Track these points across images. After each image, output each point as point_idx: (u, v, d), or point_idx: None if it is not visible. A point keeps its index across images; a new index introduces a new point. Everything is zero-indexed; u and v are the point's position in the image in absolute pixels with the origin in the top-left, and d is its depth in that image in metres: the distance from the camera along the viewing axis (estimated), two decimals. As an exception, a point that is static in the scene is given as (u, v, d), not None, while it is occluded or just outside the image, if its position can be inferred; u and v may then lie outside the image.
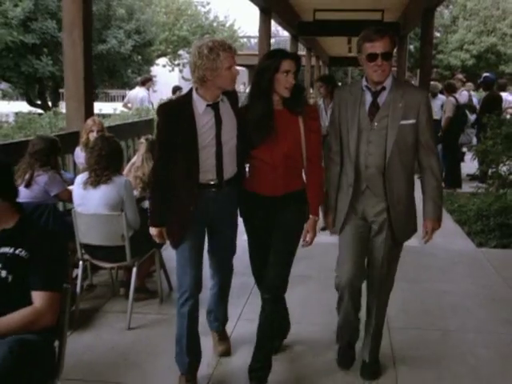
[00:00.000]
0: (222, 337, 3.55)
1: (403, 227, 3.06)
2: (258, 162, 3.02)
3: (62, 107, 15.33)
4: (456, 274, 5.17)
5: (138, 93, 12.13)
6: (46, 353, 2.30)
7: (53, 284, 2.32)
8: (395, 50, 14.53)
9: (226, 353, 3.50)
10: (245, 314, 4.06)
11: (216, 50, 2.79)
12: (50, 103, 17.68)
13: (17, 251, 2.30)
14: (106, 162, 4.01)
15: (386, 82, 2.97)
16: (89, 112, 5.91)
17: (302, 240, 3.09)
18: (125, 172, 4.63)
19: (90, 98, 6.00)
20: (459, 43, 27.17)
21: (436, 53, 27.39)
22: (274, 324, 3.12)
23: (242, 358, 3.35)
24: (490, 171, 7.62)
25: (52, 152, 4.36)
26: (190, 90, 2.97)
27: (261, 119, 2.94)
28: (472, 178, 9.63)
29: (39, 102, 17.90)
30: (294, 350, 3.57)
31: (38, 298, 2.28)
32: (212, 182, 2.98)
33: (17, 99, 23.08)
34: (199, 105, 2.91)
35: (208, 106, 2.91)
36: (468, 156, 9.89)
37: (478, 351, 3.63)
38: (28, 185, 4.16)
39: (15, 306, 2.26)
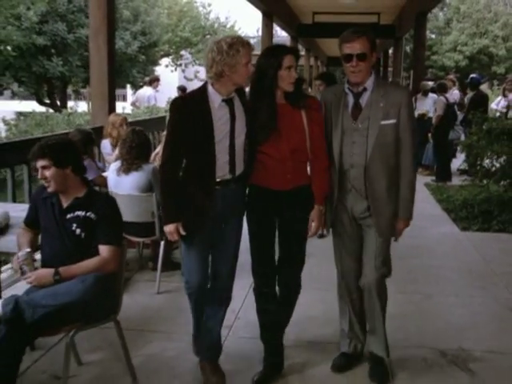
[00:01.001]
0: (215, 367, 3.23)
1: (386, 224, 3.09)
2: (265, 157, 3.00)
3: (82, 106, 15.93)
4: (441, 252, 5.84)
5: (145, 92, 12.80)
6: (112, 291, 2.97)
7: (115, 240, 2.98)
8: (391, 51, 15.23)
9: None
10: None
11: (236, 46, 2.80)
12: (58, 102, 18.32)
13: (87, 214, 2.95)
14: (136, 152, 4.68)
15: (367, 83, 3.00)
16: (112, 109, 6.57)
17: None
18: (150, 161, 5.29)
19: (112, 97, 6.66)
20: (453, 45, 27.88)
21: (431, 54, 28.09)
22: (290, 314, 3.33)
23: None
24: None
25: (88, 142, 5.02)
26: (204, 85, 2.96)
27: (265, 118, 2.95)
28: (462, 172, 10.27)
29: (48, 102, 18.55)
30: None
31: (104, 250, 2.93)
32: (225, 178, 2.96)
33: (16, 98, 23.80)
34: (215, 99, 2.89)
35: (223, 100, 2.91)
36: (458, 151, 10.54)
37: (455, 310, 4.31)
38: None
39: (87, 256, 2.91)
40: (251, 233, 3.17)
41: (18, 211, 3.73)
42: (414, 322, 4.05)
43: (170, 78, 25.36)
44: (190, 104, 2.92)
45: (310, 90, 22.14)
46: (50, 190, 2.94)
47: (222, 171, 2.94)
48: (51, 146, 2.89)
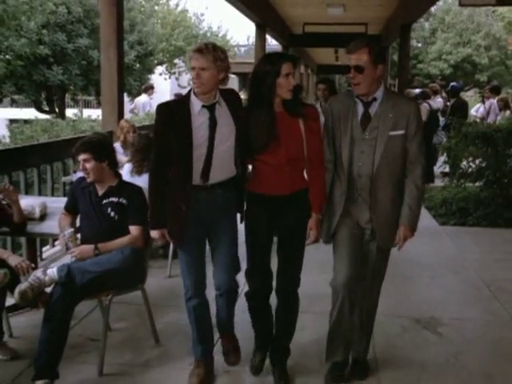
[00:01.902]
0: (232, 341, 3.47)
1: (389, 235, 3.11)
2: (262, 165, 3.04)
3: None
4: (419, 242, 6.27)
5: (141, 99, 13.47)
6: (140, 264, 3.57)
7: (143, 221, 3.57)
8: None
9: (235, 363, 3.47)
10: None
11: (191, 49, 2.95)
12: (57, 109, 18.91)
13: (120, 199, 3.55)
14: (141, 154, 5.25)
15: (377, 93, 3.00)
16: (120, 115, 7.16)
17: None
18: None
19: (121, 104, 7.25)
20: (438, 54, 28.95)
21: (417, 62, 29.17)
22: (292, 315, 3.29)
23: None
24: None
25: (105, 144, 5.61)
26: (190, 91, 3.04)
27: (264, 126, 2.95)
28: (444, 174, 10.94)
29: (47, 109, 19.14)
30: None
31: (134, 229, 3.53)
32: (200, 184, 3.02)
33: (14, 105, 24.44)
34: (195, 105, 2.97)
35: (203, 106, 2.97)
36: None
37: (429, 288, 4.96)
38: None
39: (119, 234, 3.50)
40: (248, 240, 3.20)
41: (49, 202, 4.34)
42: (394, 297, 4.66)
43: (164, 86, 26.01)
44: (171, 109, 3.02)
45: (304, 95, 22.91)
46: (89, 180, 3.54)
47: (198, 177, 3.01)
48: (92, 143, 3.51)
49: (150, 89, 13.43)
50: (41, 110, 18.94)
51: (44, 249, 5.58)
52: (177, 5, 25.96)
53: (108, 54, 7.06)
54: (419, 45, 30.84)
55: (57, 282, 3.18)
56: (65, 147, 6.01)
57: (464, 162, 8.27)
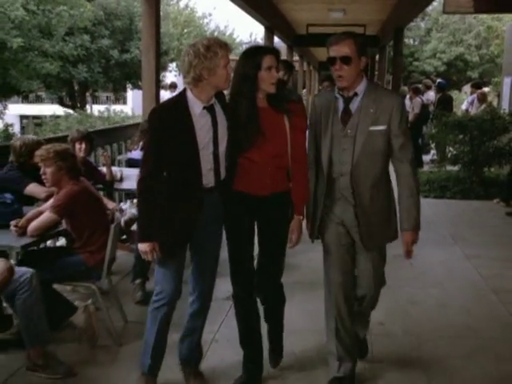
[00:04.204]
0: (196, 372, 3.23)
1: (373, 234, 2.96)
2: (245, 161, 2.90)
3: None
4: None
5: (163, 95, 15.07)
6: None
7: None
8: (377, 57, 17.70)
9: None
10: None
11: (213, 48, 2.69)
12: (78, 104, 20.47)
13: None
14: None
15: (358, 88, 2.87)
16: (157, 107, 8.64)
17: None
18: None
19: (158, 98, 8.74)
20: (432, 52, 30.58)
21: (413, 60, 30.89)
22: (278, 312, 3.27)
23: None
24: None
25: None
26: (184, 92, 2.84)
27: (247, 121, 2.83)
28: (433, 161, 12.35)
29: (69, 104, 20.70)
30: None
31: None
32: (209, 186, 2.87)
33: (22, 102, 26.04)
34: (196, 107, 2.79)
35: (204, 108, 2.80)
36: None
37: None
38: (142, 149, 6.89)
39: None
40: (230, 240, 3.07)
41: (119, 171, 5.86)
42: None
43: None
44: (169, 113, 2.80)
45: (303, 91, 24.22)
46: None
47: (206, 179, 2.85)
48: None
49: (173, 87, 15.09)
50: (64, 105, 20.48)
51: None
52: (186, 5, 27.48)
53: (148, 57, 8.48)
54: (416, 43, 32.46)
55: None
56: (120, 133, 7.58)
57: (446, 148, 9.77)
